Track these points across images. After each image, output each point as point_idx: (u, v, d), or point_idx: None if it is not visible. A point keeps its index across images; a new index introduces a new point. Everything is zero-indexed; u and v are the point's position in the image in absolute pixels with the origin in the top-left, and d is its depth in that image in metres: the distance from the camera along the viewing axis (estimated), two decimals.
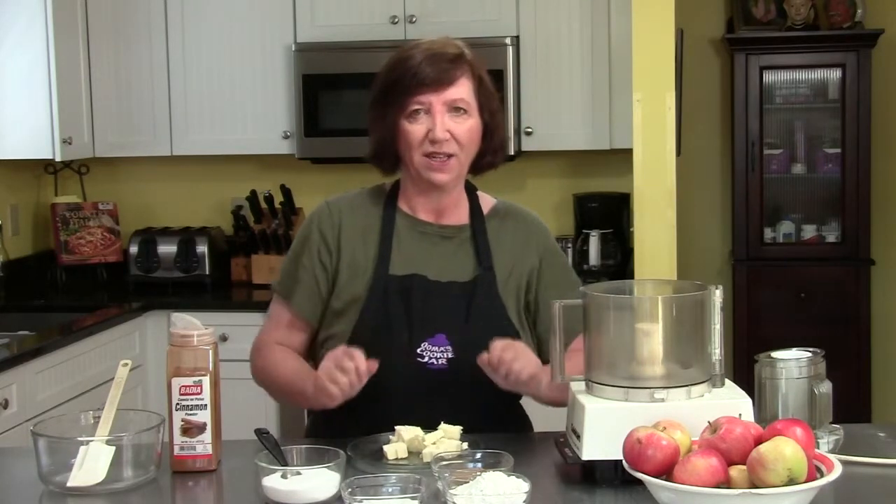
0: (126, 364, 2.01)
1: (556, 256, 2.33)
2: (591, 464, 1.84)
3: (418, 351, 2.16)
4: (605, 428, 1.81)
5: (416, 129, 2.16)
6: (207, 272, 4.61)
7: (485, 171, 2.29)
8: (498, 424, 2.19)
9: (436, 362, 2.16)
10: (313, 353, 2.30)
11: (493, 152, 2.25)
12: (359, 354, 2.01)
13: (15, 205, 4.64)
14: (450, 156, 2.16)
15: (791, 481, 1.57)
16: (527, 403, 2.33)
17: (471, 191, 2.32)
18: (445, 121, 2.15)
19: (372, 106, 2.24)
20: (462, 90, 2.17)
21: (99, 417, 1.96)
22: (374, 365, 2.01)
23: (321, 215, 2.28)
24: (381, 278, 2.20)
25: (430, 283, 2.21)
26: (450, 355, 2.16)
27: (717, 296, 1.88)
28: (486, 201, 2.33)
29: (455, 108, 2.16)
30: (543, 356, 2.23)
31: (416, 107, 2.15)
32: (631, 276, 4.06)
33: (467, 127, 2.17)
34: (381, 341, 2.15)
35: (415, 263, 2.22)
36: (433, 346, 2.17)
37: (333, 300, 2.24)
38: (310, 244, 2.27)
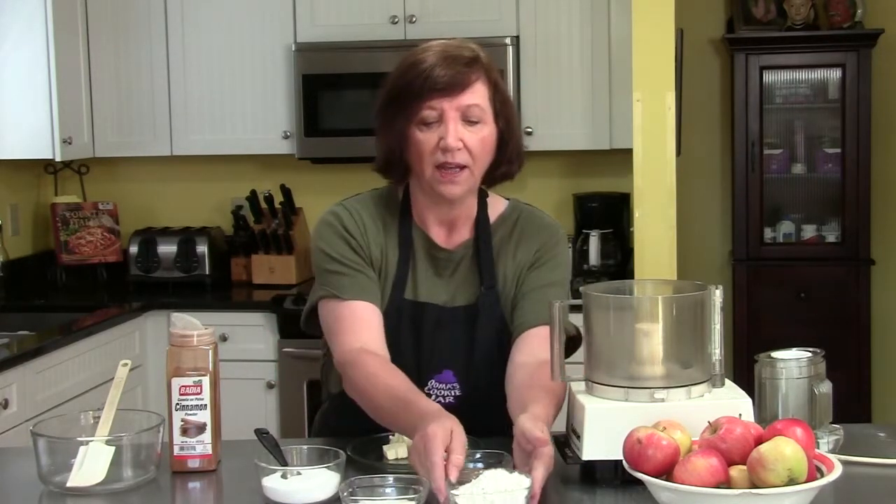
0: (126, 364, 2.01)
1: (550, 255, 2.19)
2: (591, 464, 1.84)
3: (426, 390, 2.10)
4: (605, 428, 1.81)
5: (427, 137, 2.04)
6: (207, 272, 4.61)
7: (500, 181, 2.18)
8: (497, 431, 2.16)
9: (443, 400, 2.10)
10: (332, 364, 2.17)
11: (508, 162, 2.13)
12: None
13: (15, 205, 4.64)
14: (462, 167, 2.05)
15: (791, 481, 1.57)
16: None
17: (481, 196, 2.20)
18: (458, 129, 2.03)
19: (380, 111, 2.11)
20: (477, 96, 2.05)
21: (99, 417, 1.96)
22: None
23: (342, 216, 2.15)
24: (394, 303, 2.12)
25: (440, 310, 2.13)
26: (457, 393, 2.12)
27: (717, 296, 1.87)
28: (496, 206, 2.22)
29: (469, 116, 2.04)
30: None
31: (428, 113, 2.03)
32: (631, 276, 4.06)
33: (481, 137, 2.05)
34: None
35: (426, 288, 2.15)
36: (440, 383, 2.12)
37: None
38: (345, 238, 2.12)
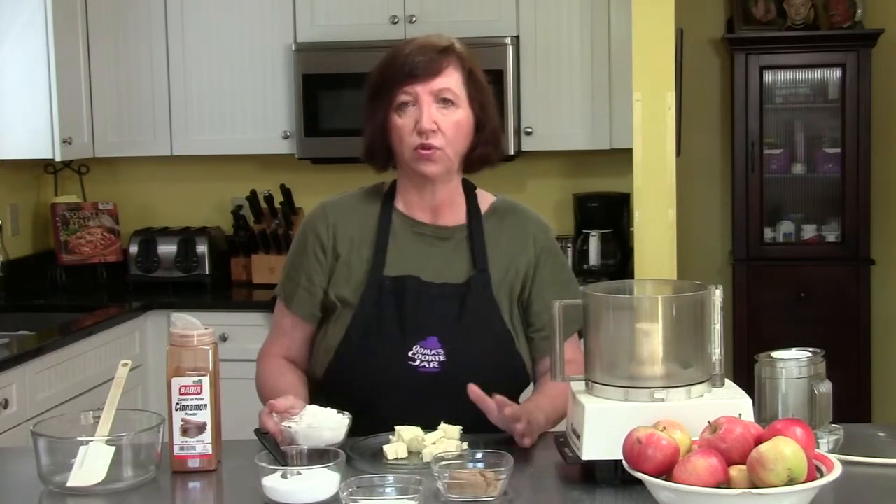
0: (126, 364, 2.01)
1: (552, 256, 2.31)
2: (591, 464, 1.84)
3: (410, 354, 2.16)
4: (605, 428, 1.81)
5: (404, 122, 2.16)
6: (207, 272, 4.61)
7: (479, 166, 2.27)
8: (492, 427, 2.18)
9: (427, 366, 2.16)
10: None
11: (484, 144, 2.23)
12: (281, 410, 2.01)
13: (15, 205, 4.64)
14: (437, 148, 2.16)
15: (791, 481, 1.57)
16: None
17: (469, 189, 2.31)
18: (433, 112, 2.15)
19: (365, 103, 2.25)
20: (450, 81, 2.17)
21: (99, 417, 1.96)
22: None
23: (316, 217, 2.29)
24: (375, 280, 2.20)
25: (424, 284, 2.20)
26: (442, 358, 2.16)
27: (717, 296, 1.88)
28: (485, 199, 2.32)
29: (443, 100, 2.16)
30: (534, 354, 2.27)
31: (404, 97, 2.16)
32: (631, 276, 4.06)
33: (455, 119, 2.17)
34: (374, 345, 2.17)
35: (409, 264, 2.22)
36: (425, 349, 2.16)
37: (328, 299, 2.25)
38: (306, 246, 2.27)
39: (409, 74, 2.15)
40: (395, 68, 2.17)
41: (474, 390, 2.03)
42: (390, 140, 2.20)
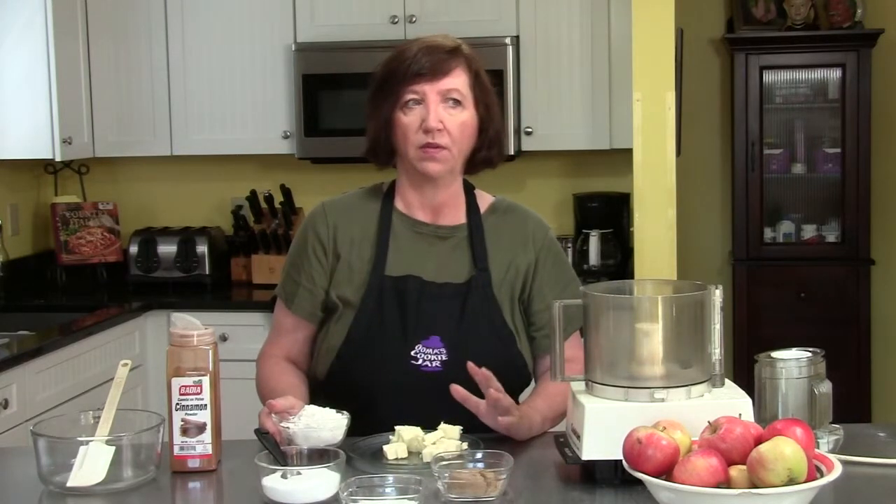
0: (126, 364, 2.01)
1: (552, 254, 2.31)
2: (591, 464, 1.84)
3: (412, 353, 2.17)
4: (605, 428, 1.81)
5: (410, 120, 2.17)
6: (207, 272, 4.61)
7: (481, 168, 2.28)
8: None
9: (430, 364, 2.17)
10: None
11: (488, 147, 2.24)
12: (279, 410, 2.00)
13: (15, 205, 4.64)
14: (443, 148, 2.16)
15: (791, 481, 1.57)
16: None
17: (468, 189, 2.31)
18: (439, 111, 2.15)
19: (369, 100, 2.25)
20: (457, 81, 2.17)
21: (99, 417, 1.96)
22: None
23: (316, 217, 2.29)
24: (376, 280, 2.21)
25: (425, 283, 2.21)
26: (444, 357, 2.17)
27: (717, 296, 1.88)
28: (484, 199, 2.33)
29: (450, 100, 2.16)
30: (535, 352, 2.28)
31: (411, 96, 2.16)
32: (631, 276, 4.06)
33: (461, 120, 2.17)
34: (376, 344, 2.17)
35: (410, 264, 2.23)
36: (427, 348, 2.17)
37: (329, 299, 2.25)
38: (306, 246, 2.28)
39: (417, 73, 2.15)
40: (403, 66, 2.17)
41: (458, 390, 2.02)
42: (394, 137, 2.20)
